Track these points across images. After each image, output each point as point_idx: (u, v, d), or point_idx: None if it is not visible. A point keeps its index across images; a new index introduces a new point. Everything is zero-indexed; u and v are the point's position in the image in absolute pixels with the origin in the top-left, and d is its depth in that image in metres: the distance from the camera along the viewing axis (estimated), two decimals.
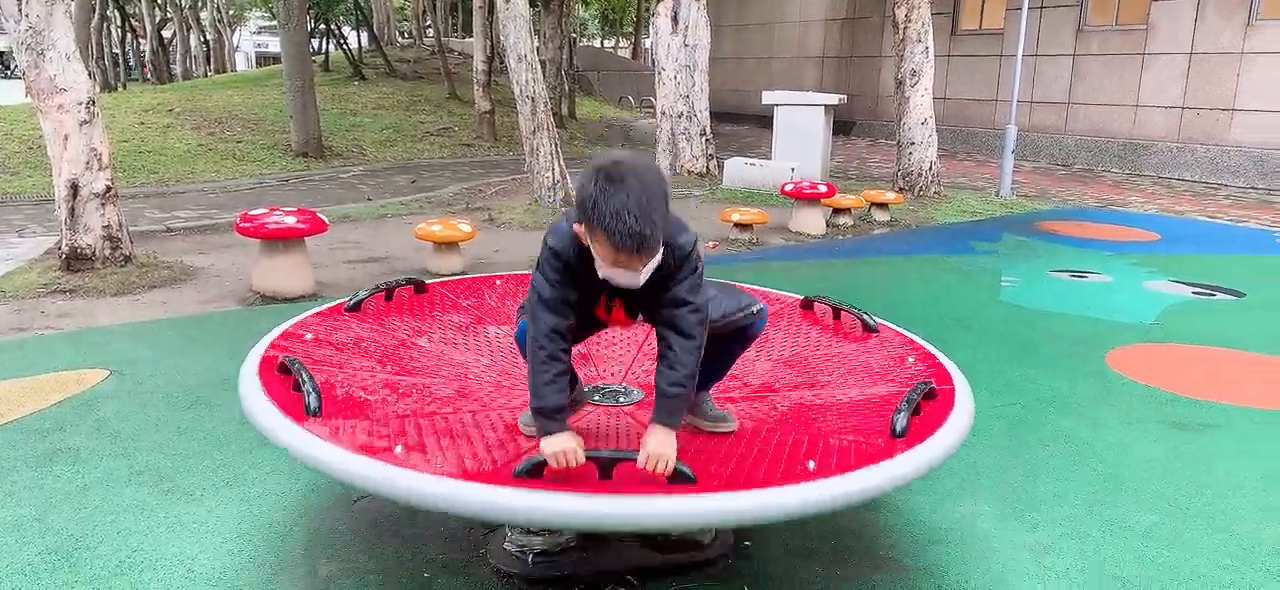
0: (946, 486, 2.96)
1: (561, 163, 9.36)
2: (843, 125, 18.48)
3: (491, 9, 15.33)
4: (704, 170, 12.30)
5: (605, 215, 1.86)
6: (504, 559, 2.34)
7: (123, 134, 12.91)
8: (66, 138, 5.74)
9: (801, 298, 3.37)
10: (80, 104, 5.75)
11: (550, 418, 1.94)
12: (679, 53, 12.28)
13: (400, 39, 31.10)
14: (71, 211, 5.81)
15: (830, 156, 12.52)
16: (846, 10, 20.03)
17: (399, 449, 2.00)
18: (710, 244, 7.57)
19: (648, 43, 31.63)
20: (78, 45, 5.99)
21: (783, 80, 20.42)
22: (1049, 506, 2.85)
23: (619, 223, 1.84)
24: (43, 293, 5.44)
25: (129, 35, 33.79)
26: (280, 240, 5.50)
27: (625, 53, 39.27)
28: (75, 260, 5.84)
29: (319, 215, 5.76)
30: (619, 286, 2.03)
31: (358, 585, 2.29)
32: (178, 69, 31.72)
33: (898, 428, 2.11)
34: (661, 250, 1.96)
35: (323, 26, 23.60)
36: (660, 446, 1.90)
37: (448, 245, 6.32)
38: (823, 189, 8.62)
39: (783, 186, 8.88)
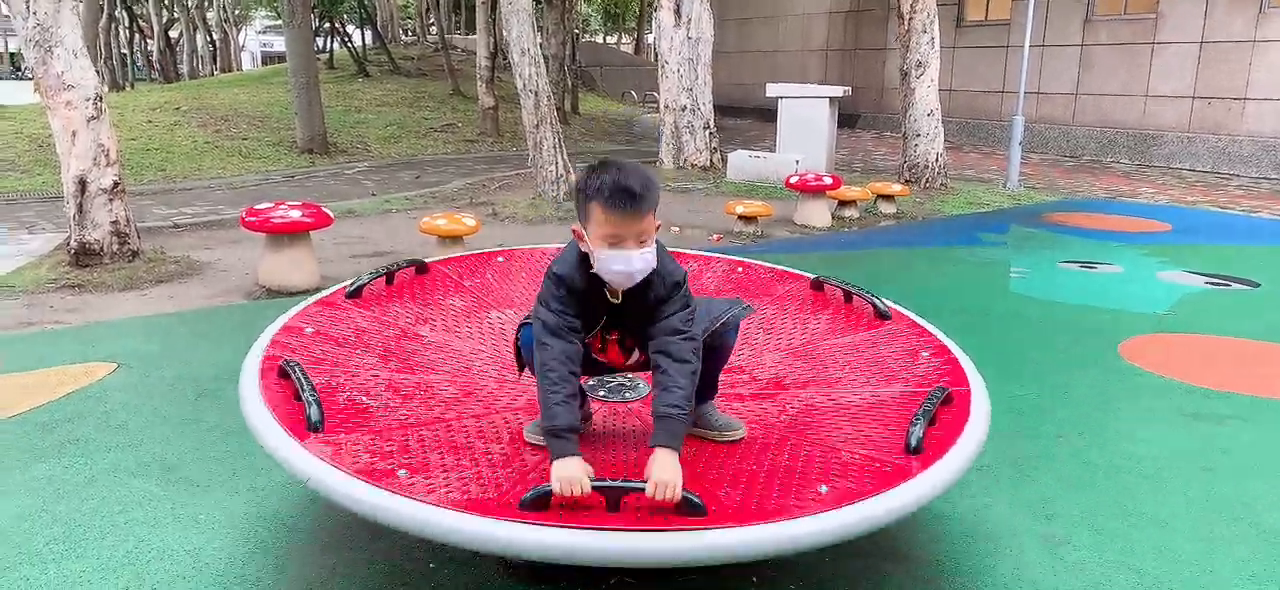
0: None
1: (564, 157, 9.34)
2: (847, 119, 18.40)
3: (494, 5, 15.31)
4: (708, 164, 12.26)
5: (596, 185, 1.99)
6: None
7: (130, 132, 12.94)
8: (74, 134, 5.74)
9: (812, 278, 3.33)
10: (88, 100, 5.76)
11: (561, 437, 1.94)
12: (682, 46, 12.24)
13: (404, 36, 31.12)
14: (79, 207, 5.82)
15: (835, 149, 12.47)
16: (850, 3, 19.95)
17: (403, 473, 1.97)
18: (714, 237, 7.54)
19: (650, 38, 31.61)
20: (86, 45, 5.99)
21: (787, 73, 20.34)
22: (1063, 498, 2.81)
23: (610, 184, 1.96)
24: (52, 287, 5.45)
25: (136, 35, 33.90)
26: (286, 234, 5.49)
27: (628, 49, 39.22)
28: (84, 255, 5.84)
29: (324, 209, 5.75)
30: (616, 297, 2.09)
31: (363, 575, 2.28)
32: (184, 69, 31.83)
33: (912, 443, 2.07)
34: (655, 233, 2.04)
35: (327, 24, 23.62)
36: (665, 473, 1.88)
37: (452, 239, 6.30)
38: (828, 181, 8.58)
39: (787, 179, 8.84)
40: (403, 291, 3.15)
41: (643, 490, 1.85)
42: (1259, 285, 6.05)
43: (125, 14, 29.92)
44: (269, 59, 46.87)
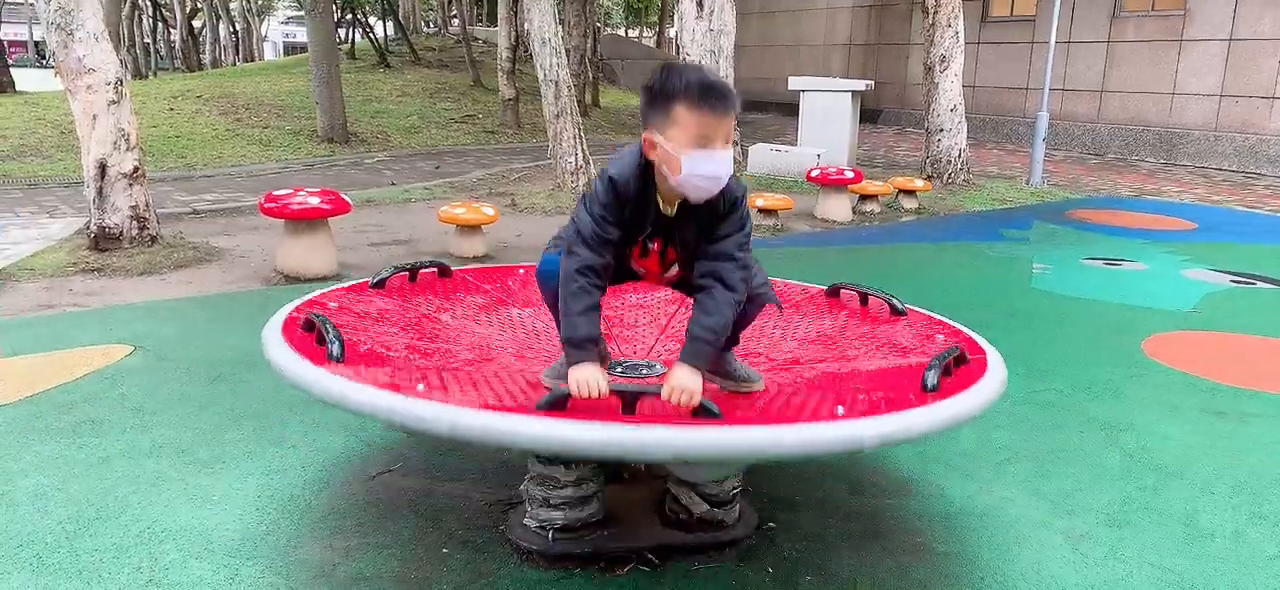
0: (980, 472, 2.88)
1: (584, 148, 9.31)
2: (869, 114, 18.26)
3: None
4: None
5: (680, 84, 1.85)
6: (524, 535, 2.30)
7: (152, 120, 13.04)
8: (95, 118, 5.77)
9: (827, 287, 3.30)
10: (108, 84, 5.79)
11: (579, 346, 1.90)
12: (704, 39, 12.13)
13: (425, 27, 31.19)
14: (99, 191, 5.86)
15: (857, 144, 12.37)
16: None
17: (421, 387, 1.96)
18: None
19: (672, 31, 31.48)
20: (109, 34, 6.03)
21: (809, 67, 20.20)
22: (1086, 493, 2.76)
23: (698, 83, 1.84)
24: (71, 271, 5.49)
25: (160, 25, 34.22)
26: (304, 221, 5.50)
27: (650, 42, 39.13)
28: (103, 239, 5.88)
29: (342, 196, 5.75)
30: (671, 207, 1.97)
31: (375, 559, 2.26)
32: (207, 58, 32.11)
33: (929, 383, 2.03)
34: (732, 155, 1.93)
35: (349, 15, 23.73)
36: (685, 381, 1.84)
37: (471, 227, 6.30)
38: (849, 175, 8.50)
39: (809, 172, 8.77)
40: (425, 288, 3.16)
41: (659, 394, 1.83)
42: None
43: (149, 3, 30.20)
44: (291, 49, 47.18)
